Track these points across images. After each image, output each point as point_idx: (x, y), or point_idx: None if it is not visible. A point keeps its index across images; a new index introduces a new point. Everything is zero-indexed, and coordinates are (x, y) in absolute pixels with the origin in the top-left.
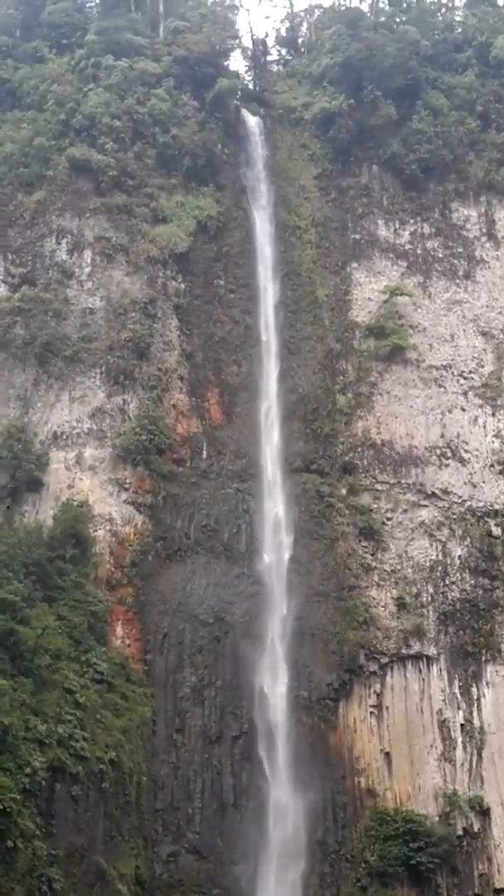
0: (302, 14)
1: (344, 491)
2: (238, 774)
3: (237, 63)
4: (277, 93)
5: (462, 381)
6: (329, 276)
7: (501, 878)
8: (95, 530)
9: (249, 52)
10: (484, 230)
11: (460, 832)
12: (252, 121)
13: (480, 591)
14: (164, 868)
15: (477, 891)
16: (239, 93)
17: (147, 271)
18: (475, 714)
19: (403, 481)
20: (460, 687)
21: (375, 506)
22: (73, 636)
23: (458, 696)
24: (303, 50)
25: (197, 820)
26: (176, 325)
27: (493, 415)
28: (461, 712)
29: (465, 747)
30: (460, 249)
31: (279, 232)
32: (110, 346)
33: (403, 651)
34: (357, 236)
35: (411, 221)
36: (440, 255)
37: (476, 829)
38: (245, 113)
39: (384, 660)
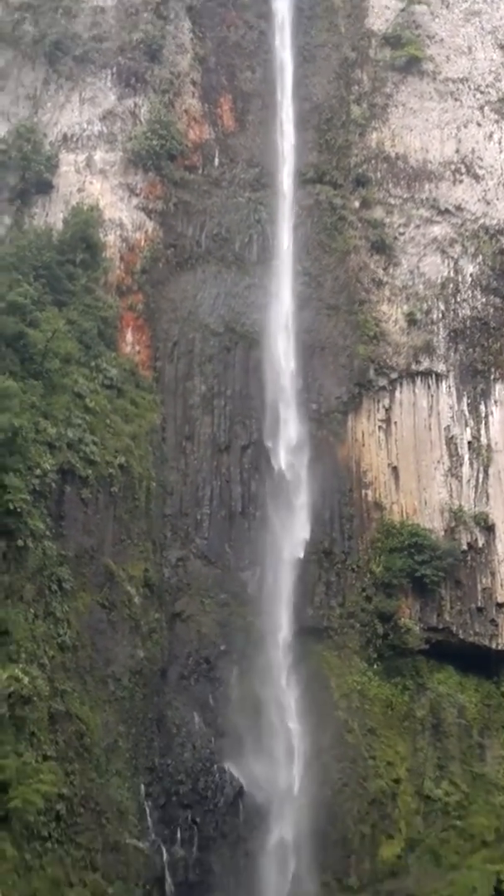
0: None
1: (357, 204)
2: (247, 483)
3: None
4: None
5: (479, 95)
6: None
7: None
8: (106, 235)
9: None
10: None
11: (465, 547)
12: None
13: (491, 310)
14: (172, 572)
15: (479, 604)
16: None
17: None
18: (482, 432)
19: (417, 196)
20: (468, 404)
21: (388, 220)
22: (83, 341)
23: (467, 413)
24: None
25: (205, 526)
26: (189, 28)
27: None
28: (469, 430)
29: (471, 464)
30: None
31: None
32: (121, 46)
33: (413, 367)
34: None
35: None
36: None
37: (480, 545)
38: None
39: (393, 375)
